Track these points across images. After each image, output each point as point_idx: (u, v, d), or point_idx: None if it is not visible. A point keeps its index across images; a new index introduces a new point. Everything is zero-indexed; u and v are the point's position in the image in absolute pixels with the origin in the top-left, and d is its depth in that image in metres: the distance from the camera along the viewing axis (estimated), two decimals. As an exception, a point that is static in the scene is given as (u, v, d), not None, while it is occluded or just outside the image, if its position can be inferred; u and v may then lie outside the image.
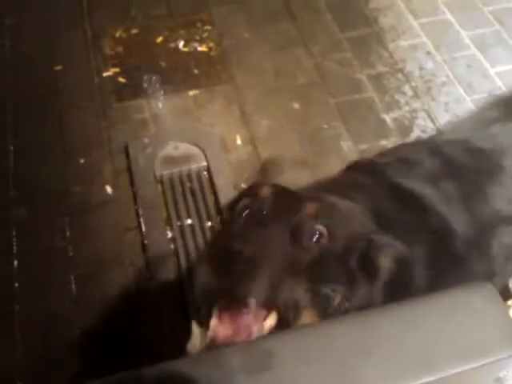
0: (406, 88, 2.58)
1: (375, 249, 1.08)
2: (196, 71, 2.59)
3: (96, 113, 2.42)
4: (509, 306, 1.89)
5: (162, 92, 2.49)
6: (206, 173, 2.21)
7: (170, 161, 2.23)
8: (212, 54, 2.67)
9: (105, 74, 2.56)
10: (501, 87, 2.56)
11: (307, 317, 1.01)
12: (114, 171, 2.23)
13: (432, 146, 1.47)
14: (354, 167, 1.47)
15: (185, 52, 2.67)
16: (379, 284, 1.09)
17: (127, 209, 2.12)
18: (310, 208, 1.05)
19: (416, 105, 2.52)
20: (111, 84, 2.53)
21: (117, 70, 2.57)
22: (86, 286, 1.93)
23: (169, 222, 2.07)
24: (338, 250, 1.05)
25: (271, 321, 0.96)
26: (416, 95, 2.55)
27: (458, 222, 1.28)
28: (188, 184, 2.18)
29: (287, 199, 1.09)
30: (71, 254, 2.00)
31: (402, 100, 2.53)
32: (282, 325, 0.97)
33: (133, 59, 2.62)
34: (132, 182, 2.17)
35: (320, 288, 1.01)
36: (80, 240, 2.05)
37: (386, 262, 1.08)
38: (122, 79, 2.54)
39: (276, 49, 2.70)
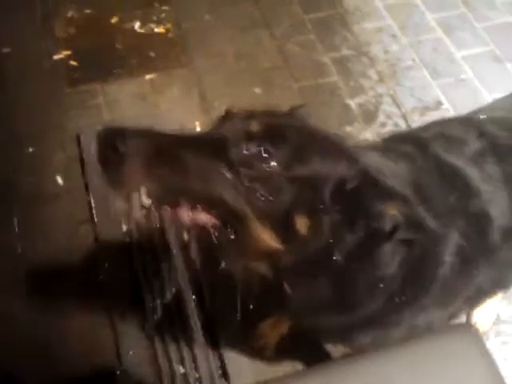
0: (371, 72, 2.52)
1: (376, 190, 0.98)
2: (153, 54, 2.48)
3: (46, 98, 2.30)
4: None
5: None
6: (163, 161, 2.12)
7: (126, 149, 2.13)
8: (170, 35, 2.55)
9: (56, 57, 2.44)
10: (466, 71, 2.52)
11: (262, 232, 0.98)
12: (65, 160, 2.13)
13: (476, 124, 1.39)
14: (395, 138, 1.39)
15: (141, 33, 2.55)
16: (384, 235, 0.98)
17: (79, 201, 2.02)
18: (254, 126, 1.00)
19: (381, 89, 2.46)
20: (62, 67, 2.41)
21: (68, 52, 2.45)
22: (36, 284, 1.84)
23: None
24: (300, 174, 0.98)
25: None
26: (381, 79, 2.49)
27: (498, 207, 1.21)
28: (144, 174, 2.08)
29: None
30: (20, 251, 1.90)
31: (367, 84, 2.47)
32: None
33: (86, 41, 2.50)
34: (84, 172, 2.07)
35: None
36: (30, 235, 1.94)
37: (388, 210, 0.96)
38: (73, 62, 2.42)
39: (238, 31, 2.60)
